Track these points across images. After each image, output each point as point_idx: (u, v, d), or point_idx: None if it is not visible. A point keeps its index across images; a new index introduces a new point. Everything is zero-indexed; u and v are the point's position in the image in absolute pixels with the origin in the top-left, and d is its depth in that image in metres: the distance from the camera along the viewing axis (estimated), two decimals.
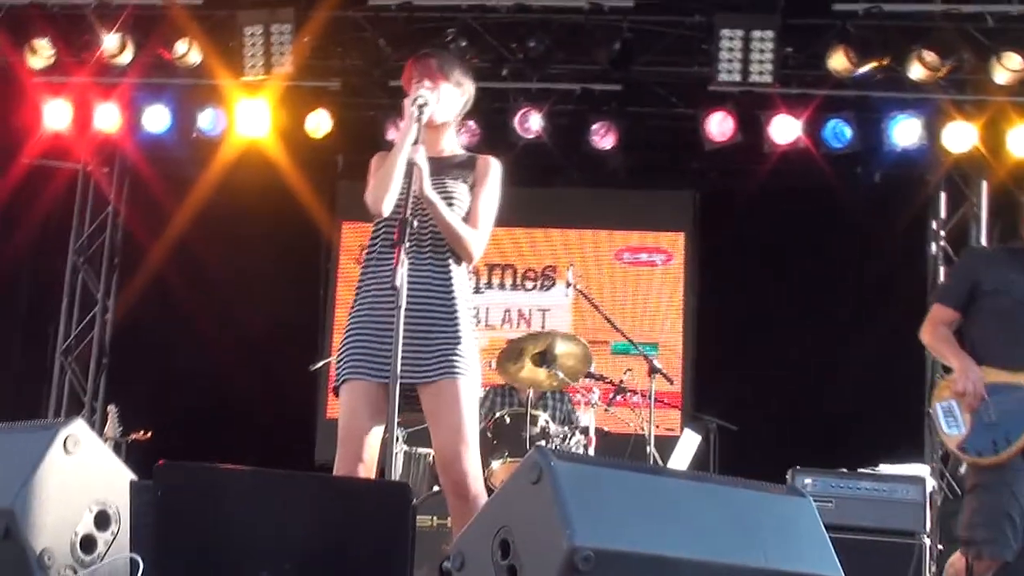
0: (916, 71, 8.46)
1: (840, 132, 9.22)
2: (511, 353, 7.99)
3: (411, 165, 4.49)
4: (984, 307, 5.23)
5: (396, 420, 4.32)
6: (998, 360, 5.08)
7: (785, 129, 9.16)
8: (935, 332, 5.28)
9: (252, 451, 9.26)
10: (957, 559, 5.25)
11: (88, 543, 3.48)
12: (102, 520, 3.53)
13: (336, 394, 4.72)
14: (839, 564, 3.20)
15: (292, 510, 3.48)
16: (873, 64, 8.66)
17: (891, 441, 6.45)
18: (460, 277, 4.71)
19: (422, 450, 7.54)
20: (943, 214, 9.95)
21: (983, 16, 8.41)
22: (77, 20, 9.25)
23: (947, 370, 5.36)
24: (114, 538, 3.54)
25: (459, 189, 4.69)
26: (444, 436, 4.55)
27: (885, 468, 7.09)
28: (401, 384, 4.30)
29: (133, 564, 3.28)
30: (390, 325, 4.41)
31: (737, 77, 8.65)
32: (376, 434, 4.62)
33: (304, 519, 3.46)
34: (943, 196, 9.96)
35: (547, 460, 2.97)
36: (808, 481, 6.78)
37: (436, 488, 6.84)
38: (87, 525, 3.48)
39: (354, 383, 4.61)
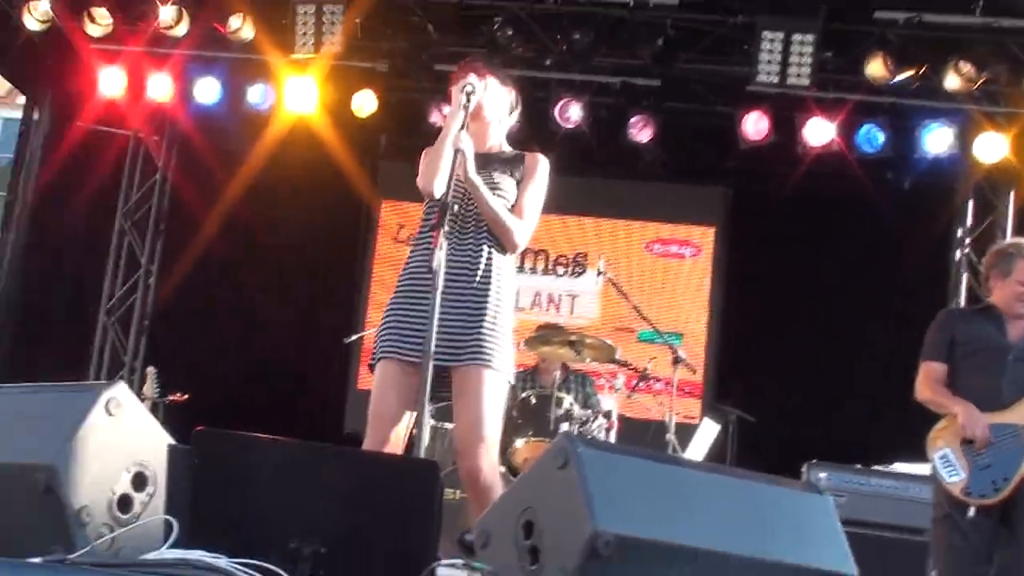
0: (951, 81, 8.28)
1: (873, 137, 9.12)
2: (541, 336, 7.97)
3: (457, 151, 4.47)
4: (963, 358, 5.42)
5: (427, 399, 4.21)
6: (983, 404, 5.25)
7: (819, 132, 9.07)
8: (932, 387, 5.45)
9: (284, 416, 9.37)
10: None
11: (125, 503, 3.42)
12: (139, 481, 3.46)
13: (371, 370, 4.68)
14: (854, 562, 3.15)
15: (325, 483, 3.43)
16: (910, 72, 8.54)
17: (906, 441, 5.89)
18: (502, 264, 4.69)
19: (448, 425, 7.35)
20: (969, 222, 9.80)
21: (1021, 31, 8.27)
22: None
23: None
24: (150, 499, 3.46)
25: (505, 182, 4.69)
26: (464, 426, 4.56)
27: (899, 467, 6.93)
28: (435, 365, 4.25)
29: (168, 526, 3.22)
30: (427, 306, 4.37)
31: (775, 79, 8.47)
32: (404, 416, 4.59)
33: (336, 492, 3.39)
34: (971, 205, 9.83)
35: (574, 447, 2.98)
36: (823, 475, 6.70)
37: None
38: (125, 485, 3.41)
39: (387, 363, 4.59)
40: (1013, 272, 5.44)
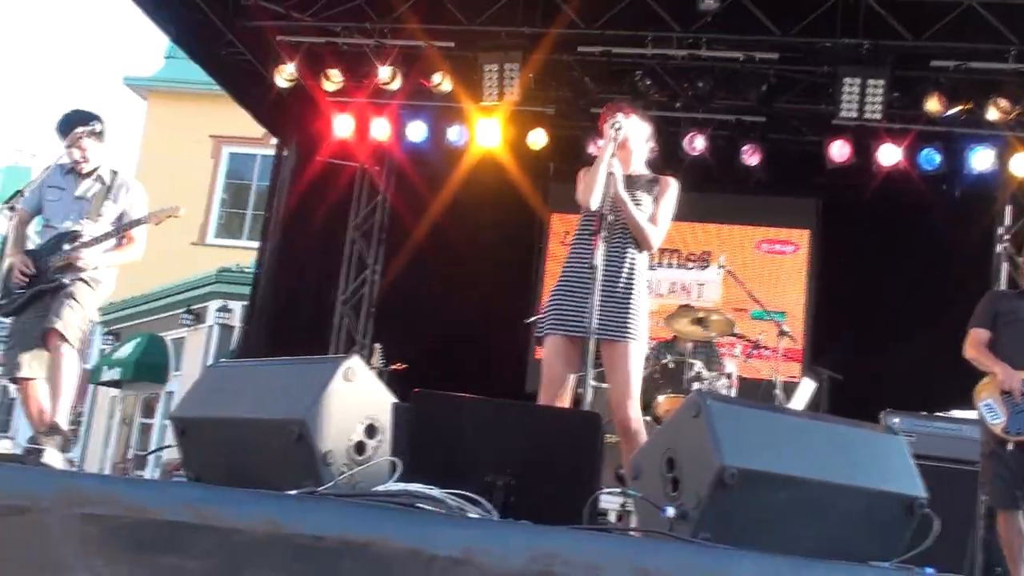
0: (992, 114, 9.07)
1: (931, 158, 9.89)
2: (677, 316, 8.64)
3: (609, 174, 5.00)
4: (1004, 327, 6.02)
5: (591, 366, 4.73)
6: (1018, 362, 5.84)
7: (889, 154, 9.77)
8: (977, 349, 6.01)
9: (480, 380, 8.94)
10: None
11: (360, 448, 3.63)
12: (371, 431, 3.67)
13: (539, 343, 5.48)
14: (922, 485, 3.29)
15: (513, 431, 3.70)
16: (960, 107, 9.29)
17: (961, 392, 6.27)
18: (640, 261, 5.12)
19: (605, 385, 7.21)
20: (1007, 223, 10.27)
21: None
22: (359, 56, 10.17)
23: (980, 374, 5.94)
24: (379, 445, 3.69)
25: (645, 199, 5.15)
26: (616, 386, 4.98)
27: (956, 413, 7.34)
28: (584, 337, 4.78)
29: (393, 465, 3.39)
30: (583, 292, 4.87)
31: (854, 114, 9.13)
32: (568, 378, 5.01)
33: (521, 438, 3.65)
34: (1008, 209, 10.27)
35: (704, 399, 3.11)
36: (896, 420, 7.12)
37: None
38: (360, 434, 3.63)
39: (553, 338, 5.05)
40: None
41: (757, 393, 8.82)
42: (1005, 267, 9.99)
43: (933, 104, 9.21)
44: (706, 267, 11.30)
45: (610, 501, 6.42)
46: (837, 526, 3.11)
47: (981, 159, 9.75)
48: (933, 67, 9.24)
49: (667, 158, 9.09)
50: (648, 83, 9.87)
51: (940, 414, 7.43)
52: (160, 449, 14.44)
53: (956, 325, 6.37)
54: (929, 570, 2.88)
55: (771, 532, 2.99)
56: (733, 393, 8.25)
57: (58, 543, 2.60)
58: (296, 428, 3.50)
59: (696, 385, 8.02)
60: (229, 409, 3.83)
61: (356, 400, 3.69)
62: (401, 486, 3.21)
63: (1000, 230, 10.33)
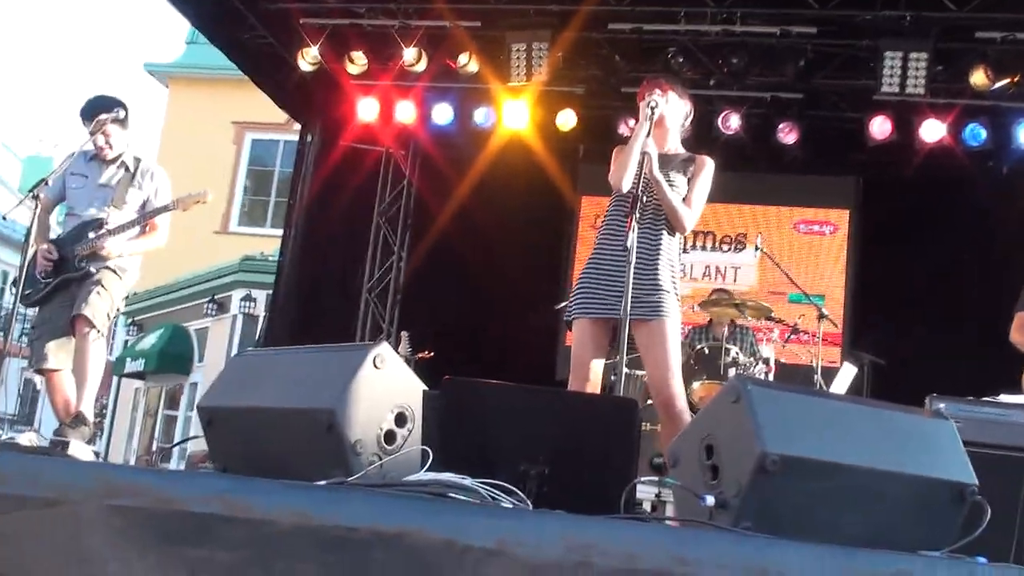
0: None
1: (977, 134, 9.86)
2: (712, 300, 8.88)
3: (643, 154, 4.99)
4: None
5: (625, 350, 4.67)
6: None
7: (932, 130, 9.77)
8: (1023, 332, 6.00)
9: (510, 368, 8.98)
10: None
11: (390, 437, 3.66)
12: (401, 420, 3.70)
13: (568, 327, 5.18)
14: (972, 471, 3.27)
15: (545, 418, 3.67)
16: (1006, 80, 9.22)
17: (1009, 376, 6.16)
18: (671, 243, 5.13)
19: (638, 372, 7.85)
20: None
21: None
22: (384, 37, 10.16)
23: None
24: (410, 433, 3.71)
25: (679, 179, 5.16)
26: (654, 365, 4.96)
27: (1004, 398, 6.69)
28: (616, 320, 4.81)
29: (424, 454, 3.40)
30: (613, 276, 4.94)
31: (896, 89, 9.08)
32: (599, 362, 5.04)
33: (555, 425, 3.63)
34: None
35: (744, 385, 3.11)
36: (941, 406, 6.36)
37: (649, 402, 6.77)
38: (390, 423, 3.66)
39: (582, 321, 5.05)
40: None
41: (796, 379, 8.92)
42: None
43: (978, 77, 9.19)
44: (742, 249, 11.45)
45: (644, 491, 6.48)
46: (884, 514, 3.09)
47: None
48: (978, 39, 9.16)
49: (701, 137, 9.10)
50: (681, 60, 9.86)
51: (988, 399, 6.96)
52: (185, 440, 14.58)
53: (1003, 307, 6.34)
54: (982, 559, 2.81)
55: (814, 521, 2.96)
56: (771, 379, 8.23)
57: (89, 535, 2.63)
58: (325, 417, 3.51)
59: (732, 371, 8.06)
60: (256, 399, 3.83)
61: (385, 388, 3.69)
62: (432, 475, 3.21)
63: None
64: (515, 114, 10.57)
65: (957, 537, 3.10)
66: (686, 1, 9.52)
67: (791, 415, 3.11)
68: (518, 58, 9.74)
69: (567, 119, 10.71)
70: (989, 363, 7.06)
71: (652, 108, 5.12)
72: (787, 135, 10.31)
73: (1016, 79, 9.27)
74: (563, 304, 8.28)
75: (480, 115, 10.87)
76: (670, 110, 5.29)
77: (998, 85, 9.25)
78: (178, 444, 16.59)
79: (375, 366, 3.66)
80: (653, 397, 5.08)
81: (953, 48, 9.35)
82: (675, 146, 5.40)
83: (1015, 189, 10.11)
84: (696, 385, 8.18)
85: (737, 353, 8.42)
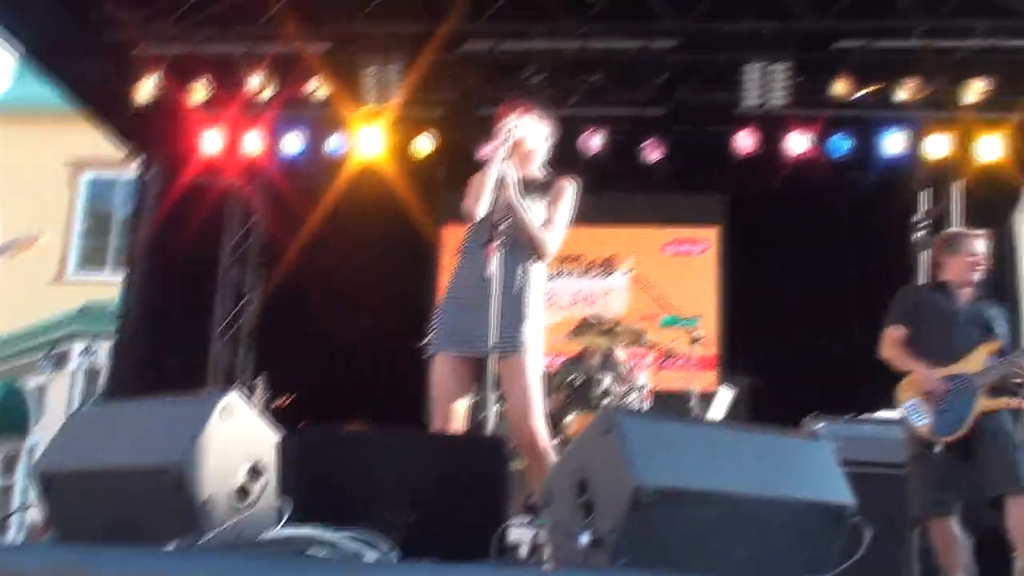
0: (902, 94, 9.28)
1: (841, 144, 10.06)
2: (581, 329, 8.68)
3: (501, 178, 5.00)
4: (922, 323, 6.14)
5: (492, 385, 4.67)
6: (937, 360, 5.96)
7: (797, 143, 9.94)
8: (895, 348, 6.15)
9: (375, 411, 9.14)
10: None
11: (243, 492, 3.68)
12: (254, 473, 3.73)
13: (428, 365, 5.04)
14: (850, 492, 3.38)
15: (409, 463, 3.70)
16: (868, 89, 9.46)
17: (886, 392, 6.38)
18: (533, 271, 5.15)
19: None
20: (924, 207, 10.57)
21: (954, 50, 9.23)
22: (228, 64, 10.02)
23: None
24: (265, 487, 3.73)
25: (540, 203, 5.19)
26: (514, 401, 4.94)
27: (882, 414, 7.44)
28: (478, 355, 4.78)
29: (281, 509, 3.39)
30: (472, 307, 4.91)
31: (758, 102, 9.31)
32: (462, 399, 4.99)
33: (421, 470, 3.67)
34: (924, 194, 10.59)
35: (615, 415, 3.21)
36: (821, 425, 7.27)
37: None
38: (242, 477, 3.68)
39: (443, 356, 5.00)
40: (961, 250, 6.18)
41: (672, 406, 8.92)
42: (924, 256, 10.04)
43: (840, 87, 9.40)
44: (611, 273, 11.46)
45: (521, 533, 6.16)
46: (766, 542, 3.13)
47: (893, 143, 10.00)
48: (839, 48, 9.40)
49: (563, 158, 8.89)
50: (540, 79, 9.90)
51: (866, 416, 7.59)
52: (20, 510, 14.05)
53: (878, 320, 6.45)
54: None
55: (695, 553, 2.98)
56: (646, 407, 8.31)
57: None
58: (172, 475, 3.49)
59: (605, 401, 8.08)
60: (97, 458, 3.76)
61: (237, 440, 3.70)
62: (292, 531, 3.19)
63: (917, 217, 10.64)
64: (370, 141, 10.50)
65: (837, 561, 3.14)
66: (543, 18, 9.58)
67: (665, 445, 3.16)
68: (371, 82, 9.77)
69: (424, 144, 10.69)
70: (866, 379, 7.35)
71: (509, 131, 5.15)
72: (651, 152, 10.41)
73: (878, 87, 9.50)
74: (426, 341, 8.38)
75: (332, 143, 10.75)
76: (528, 133, 5.32)
77: (861, 94, 9.46)
78: (12, 515, 16.05)
79: (224, 417, 3.68)
80: (514, 437, 5.04)
81: (815, 58, 9.54)
82: (535, 169, 5.43)
83: (882, 199, 10.42)
84: (569, 419, 8.12)
85: (610, 383, 8.39)
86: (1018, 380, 5.93)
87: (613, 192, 10.90)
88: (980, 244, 6.28)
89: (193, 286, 11.62)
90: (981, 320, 6.11)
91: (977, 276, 6.20)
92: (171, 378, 10.40)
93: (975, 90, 9.18)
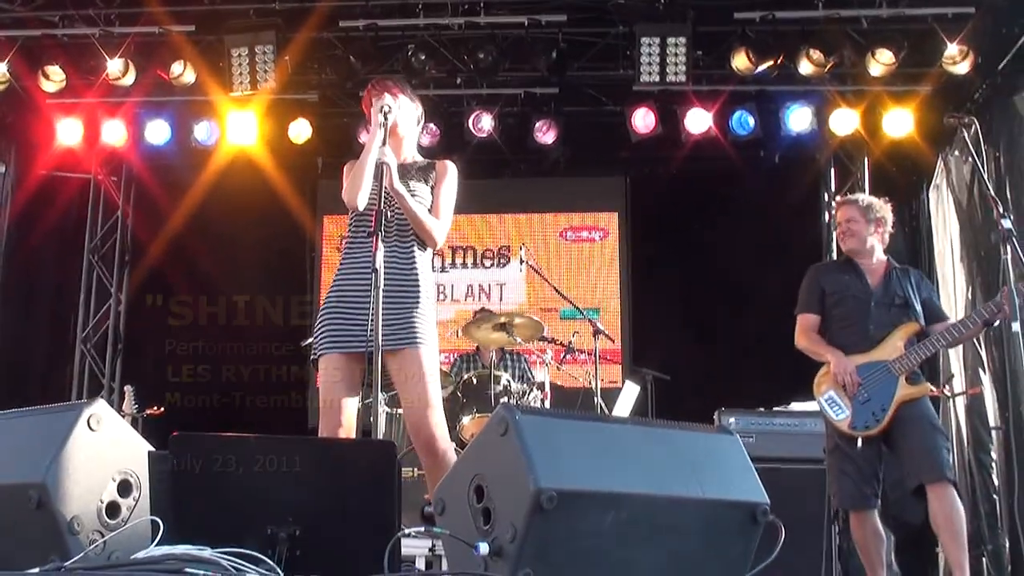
0: (805, 67, 9.20)
1: (744, 121, 10.08)
2: (476, 323, 8.76)
3: (380, 164, 4.99)
4: (833, 307, 6.18)
5: (380, 385, 4.66)
6: (853, 346, 6.02)
7: (698, 121, 9.98)
8: (808, 337, 6.19)
9: (252, 419, 9.91)
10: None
11: (113, 509, 3.64)
12: (125, 488, 3.68)
13: (315, 366, 5.11)
14: (763, 490, 3.39)
15: (292, 471, 3.62)
16: (770, 63, 9.41)
17: (800, 383, 6.45)
18: (422, 260, 5.18)
19: (399, 410, 7.73)
20: (833, 186, 10.78)
21: (859, 19, 9.18)
22: (85, 48, 9.72)
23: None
24: (136, 503, 3.68)
25: (421, 189, 5.22)
26: (411, 400, 4.96)
27: (796, 406, 7.64)
28: (370, 352, 4.72)
29: (154, 526, 3.34)
30: (359, 303, 4.94)
31: (656, 78, 9.22)
32: (352, 402, 4.99)
33: (304, 478, 3.60)
34: (832, 171, 10.80)
35: (512, 414, 3.16)
36: (732, 420, 7.38)
37: None
38: (111, 493, 3.63)
39: (330, 357, 5.02)
40: (839, 221, 6.34)
41: (575, 403, 9.14)
42: (835, 235, 9.63)
43: (741, 61, 9.36)
44: (506, 264, 11.53)
45: (416, 545, 6.39)
46: (677, 544, 3.11)
47: (798, 119, 10.05)
48: (737, 20, 9.37)
49: (451, 144, 9.93)
50: (422, 58, 9.74)
51: (779, 409, 7.67)
52: None
53: (789, 305, 6.49)
54: None
55: (602, 559, 2.97)
56: (547, 405, 8.37)
57: None
58: (32, 492, 3.44)
59: (504, 401, 8.09)
60: None
61: (104, 453, 3.64)
62: (165, 550, 3.14)
63: (826, 195, 10.82)
64: (241, 128, 10.38)
65: (752, 561, 3.15)
66: None
67: (567, 445, 3.14)
68: (240, 64, 9.56)
69: (301, 130, 10.54)
70: (779, 370, 7.55)
71: (385, 114, 5.14)
72: (545, 134, 10.35)
73: (780, 60, 9.48)
74: (309, 340, 8.24)
75: (201, 131, 10.55)
76: (403, 115, 5.33)
77: (761, 68, 9.44)
78: None
79: (90, 428, 3.61)
80: (412, 438, 5.05)
81: (713, 31, 9.56)
82: (411, 153, 5.46)
83: (788, 178, 10.57)
84: (466, 420, 8.27)
85: (508, 380, 8.51)
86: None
87: (507, 178, 11.36)
88: (845, 210, 6.34)
89: (55, 288, 11.52)
90: (897, 298, 6.14)
91: (847, 245, 6.27)
92: (32, 388, 10.72)
93: (882, 61, 9.08)
